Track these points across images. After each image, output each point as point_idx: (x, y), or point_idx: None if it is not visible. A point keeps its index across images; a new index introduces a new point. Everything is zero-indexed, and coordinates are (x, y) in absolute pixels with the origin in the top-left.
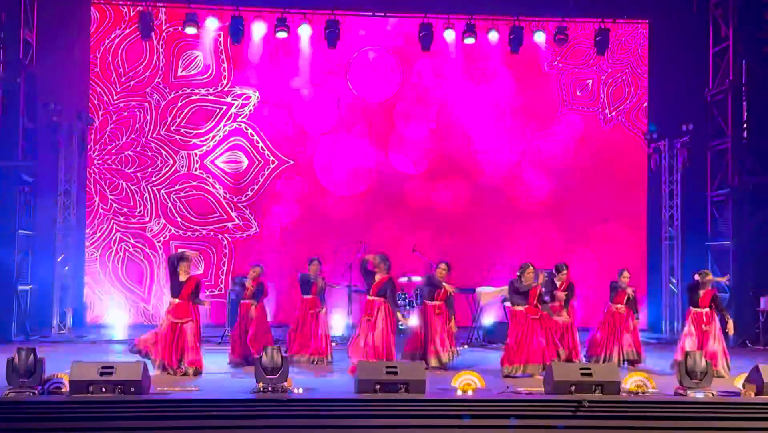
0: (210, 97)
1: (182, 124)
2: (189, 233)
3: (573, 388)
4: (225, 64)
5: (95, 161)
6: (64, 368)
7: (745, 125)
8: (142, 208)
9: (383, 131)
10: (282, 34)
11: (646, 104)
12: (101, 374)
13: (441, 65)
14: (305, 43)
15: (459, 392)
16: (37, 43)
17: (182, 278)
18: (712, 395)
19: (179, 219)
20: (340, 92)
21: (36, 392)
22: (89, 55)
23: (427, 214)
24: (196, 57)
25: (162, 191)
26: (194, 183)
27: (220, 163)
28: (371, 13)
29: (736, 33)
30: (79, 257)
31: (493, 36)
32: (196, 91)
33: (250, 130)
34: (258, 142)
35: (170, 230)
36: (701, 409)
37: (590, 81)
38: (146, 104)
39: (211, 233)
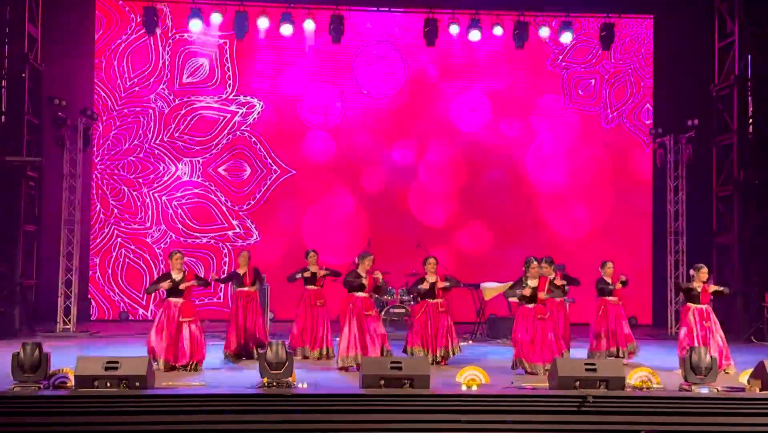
0: (214, 105)
1: (185, 131)
2: (189, 240)
3: (577, 383)
4: (230, 72)
5: (98, 166)
6: (69, 363)
7: (750, 120)
8: (143, 214)
9: (387, 126)
10: (286, 30)
11: (650, 100)
12: (106, 368)
13: (446, 60)
14: (310, 39)
15: (463, 388)
16: (41, 38)
17: (178, 276)
18: (717, 390)
19: (180, 226)
20: (345, 88)
21: (41, 386)
22: (94, 49)
23: (431, 208)
24: (201, 64)
25: (164, 198)
26: (196, 190)
27: (222, 171)
28: (376, 8)
29: (742, 28)
30: (84, 252)
31: (498, 31)
32: (201, 98)
33: (253, 139)
34: (260, 151)
35: (171, 236)
36: (706, 404)
37: (595, 78)
38: (150, 110)
39: (212, 241)
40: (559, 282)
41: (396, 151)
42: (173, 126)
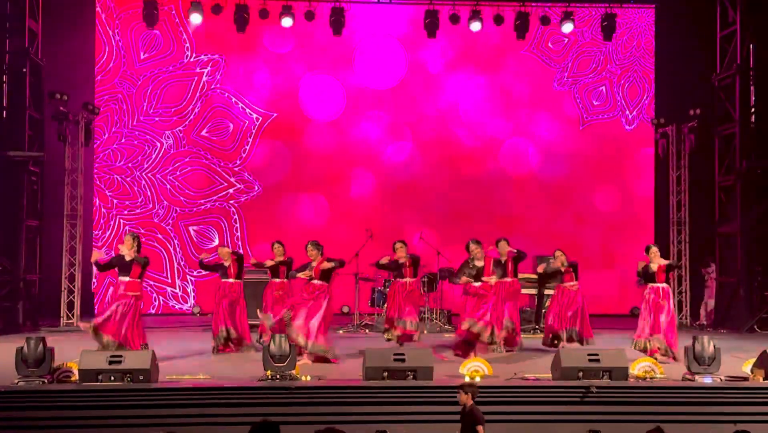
0: (179, 72)
1: (158, 105)
2: (195, 209)
3: (581, 374)
4: (185, 35)
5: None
6: (73, 357)
7: (752, 110)
8: (143, 196)
9: (388, 118)
10: (287, 22)
11: (652, 90)
12: (110, 362)
13: (447, 52)
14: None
15: (467, 379)
16: (42, 33)
17: (128, 258)
18: (720, 380)
19: (182, 198)
20: (345, 80)
21: (45, 381)
22: (95, 44)
23: (434, 201)
24: (155, 35)
25: (158, 175)
26: (186, 159)
27: (205, 133)
28: (376, 0)
29: (744, 17)
30: (87, 246)
31: (499, 22)
32: (164, 69)
33: (226, 94)
34: (237, 103)
35: (176, 210)
36: (709, 394)
37: (596, 68)
38: (119, 95)
39: (216, 204)
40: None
41: (396, 143)
42: (145, 104)
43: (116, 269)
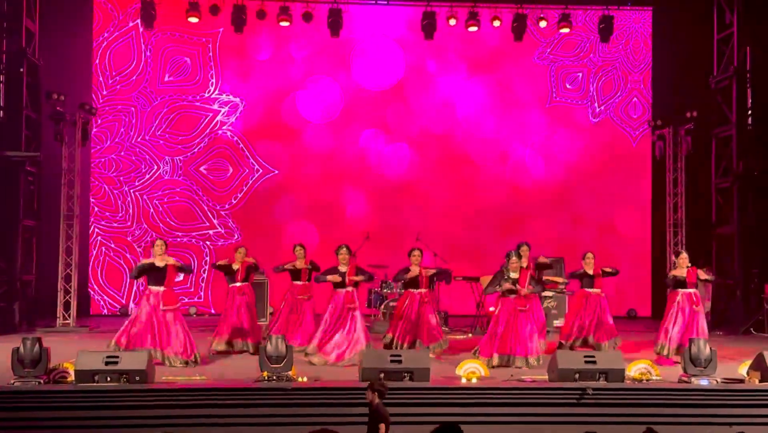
0: (196, 104)
1: (167, 129)
2: (170, 239)
3: (577, 375)
4: (213, 71)
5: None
6: (69, 358)
7: (749, 112)
8: (124, 212)
9: (386, 120)
10: (284, 23)
11: (650, 92)
12: (106, 363)
13: (444, 54)
14: (308, 32)
15: (463, 380)
16: (39, 33)
17: (160, 264)
18: (717, 382)
19: (161, 225)
20: (343, 81)
21: (41, 381)
22: (92, 43)
23: (431, 203)
24: (184, 62)
25: (145, 196)
26: (177, 189)
27: (203, 170)
28: (374, 2)
29: (741, 19)
30: (84, 246)
31: (496, 24)
32: (183, 97)
33: (235, 138)
34: (244, 150)
35: (152, 235)
36: (705, 396)
37: (591, 70)
38: (132, 108)
39: (193, 240)
40: (538, 280)
41: (393, 145)
42: (155, 124)
43: (146, 278)
